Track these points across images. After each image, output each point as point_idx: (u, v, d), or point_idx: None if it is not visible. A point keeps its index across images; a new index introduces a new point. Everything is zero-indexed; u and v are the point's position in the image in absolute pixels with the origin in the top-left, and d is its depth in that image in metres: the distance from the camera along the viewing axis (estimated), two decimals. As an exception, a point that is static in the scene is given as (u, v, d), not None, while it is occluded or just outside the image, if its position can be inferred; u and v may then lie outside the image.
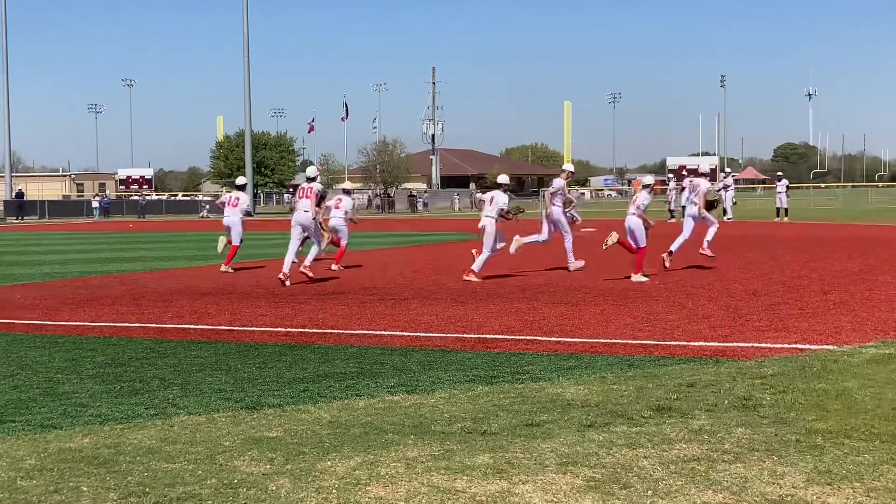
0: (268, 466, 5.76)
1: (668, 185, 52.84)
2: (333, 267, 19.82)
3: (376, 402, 7.54)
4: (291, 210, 21.33)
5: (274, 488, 5.34)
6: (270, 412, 7.23)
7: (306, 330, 11.41)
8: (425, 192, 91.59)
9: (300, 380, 8.44)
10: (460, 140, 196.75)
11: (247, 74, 72.45)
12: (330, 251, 20.61)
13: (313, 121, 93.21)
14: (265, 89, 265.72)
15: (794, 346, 9.76)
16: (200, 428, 6.76)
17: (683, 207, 44.86)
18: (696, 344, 9.96)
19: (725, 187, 50.00)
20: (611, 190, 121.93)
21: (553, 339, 10.49)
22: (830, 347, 9.60)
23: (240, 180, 21.99)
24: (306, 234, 17.59)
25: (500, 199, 17.15)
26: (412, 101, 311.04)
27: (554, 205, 18.43)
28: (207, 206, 76.48)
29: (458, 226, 45.23)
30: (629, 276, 16.40)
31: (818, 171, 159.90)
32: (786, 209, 44.89)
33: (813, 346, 9.67)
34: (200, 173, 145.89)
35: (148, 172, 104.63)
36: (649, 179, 17.88)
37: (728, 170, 65.03)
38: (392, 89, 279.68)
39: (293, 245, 17.21)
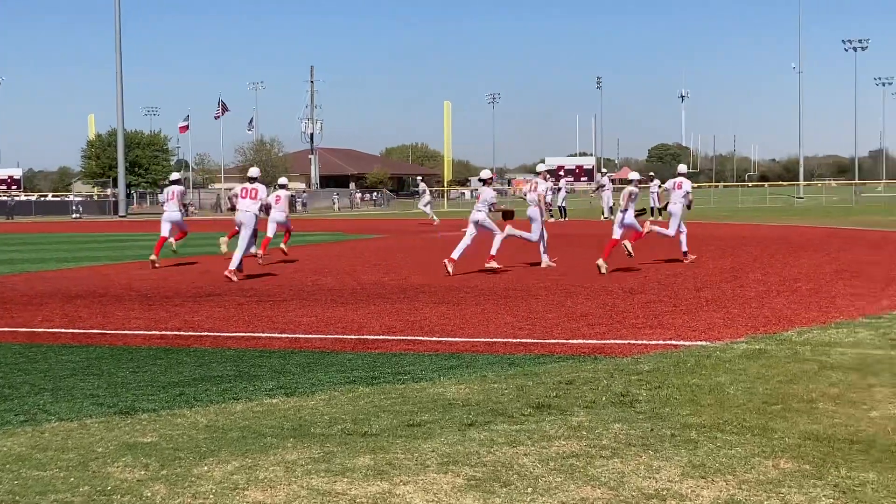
0: (142, 472, 5.63)
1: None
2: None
3: (254, 405, 7.44)
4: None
5: (149, 494, 5.22)
6: (145, 417, 7.08)
7: (182, 333, 11.20)
8: (304, 191, 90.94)
9: (176, 384, 8.28)
10: (340, 139, 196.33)
11: (119, 72, 70.84)
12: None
13: (188, 119, 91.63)
14: (138, 87, 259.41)
15: (668, 342, 9.96)
16: (72, 434, 6.58)
17: (562, 208, 45.53)
18: (575, 342, 10.08)
19: (601, 187, 50.91)
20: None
21: (434, 338, 10.50)
22: (703, 343, 9.82)
23: (174, 175, 23.06)
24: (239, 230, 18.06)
25: (486, 194, 18.30)
26: (290, 100, 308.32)
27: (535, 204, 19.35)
28: (81, 208, 74.61)
29: (338, 226, 45.03)
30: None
31: (690, 170, 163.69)
32: (660, 209, 45.78)
33: (687, 343, 9.88)
34: (71, 173, 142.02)
35: (16, 172, 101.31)
36: (634, 175, 19.71)
37: (604, 170, 66.16)
38: (269, 88, 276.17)
39: (244, 240, 17.83)
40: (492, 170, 22.57)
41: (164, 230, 21.39)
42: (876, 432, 6.33)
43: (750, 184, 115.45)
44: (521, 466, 5.66)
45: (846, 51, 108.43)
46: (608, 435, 6.34)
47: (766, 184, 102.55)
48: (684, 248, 19.77)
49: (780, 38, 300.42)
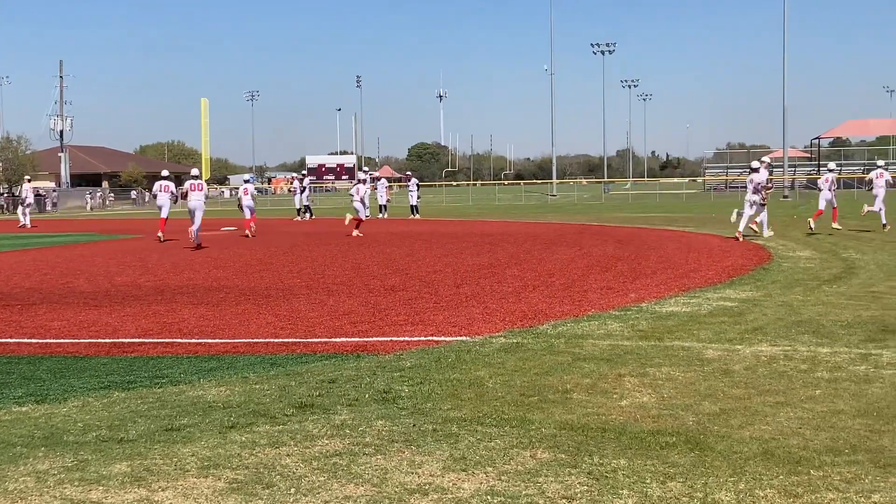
0: None
1: (293, 184, 52.27)
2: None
3: (2, 413, 7.09)
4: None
5: None
6: None
7: (-80, 340, 10.53)
8: (54, 190, 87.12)
9: (-86, 394, 7.77)
10: (92, 137, 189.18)
11: None
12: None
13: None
14: None
15: (430, 338, 10.10)
16: None
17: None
18: (337, 340, 10.09)
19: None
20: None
21: (193, 340, 10.28)
22: (464, 338, 10.02)
23: (164, 172, 29.89)
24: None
25: (759, 178, 24.26)
26: (38, 96, 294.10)
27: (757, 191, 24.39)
28: None
29: (90, 226, 43.33)
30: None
31: (450, 169, 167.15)
32: (417, 206, 46.36)
33: (448, 338, 10.05)
34: None
35: None
36: (763, 160, 26.56)
37: (366, 168, 66.26)
38: (15, 83, 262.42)
39: (197, 222, 25.49)
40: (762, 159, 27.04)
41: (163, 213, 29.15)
42: (626, 420, 6.63)
43: (506, 182, 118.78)
44: (283, 467, 5.62)
45: (594, 54, 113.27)
46: (371, 432, 6.38)
47: (521, 182, 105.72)
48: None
49: (534, 41, 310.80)
